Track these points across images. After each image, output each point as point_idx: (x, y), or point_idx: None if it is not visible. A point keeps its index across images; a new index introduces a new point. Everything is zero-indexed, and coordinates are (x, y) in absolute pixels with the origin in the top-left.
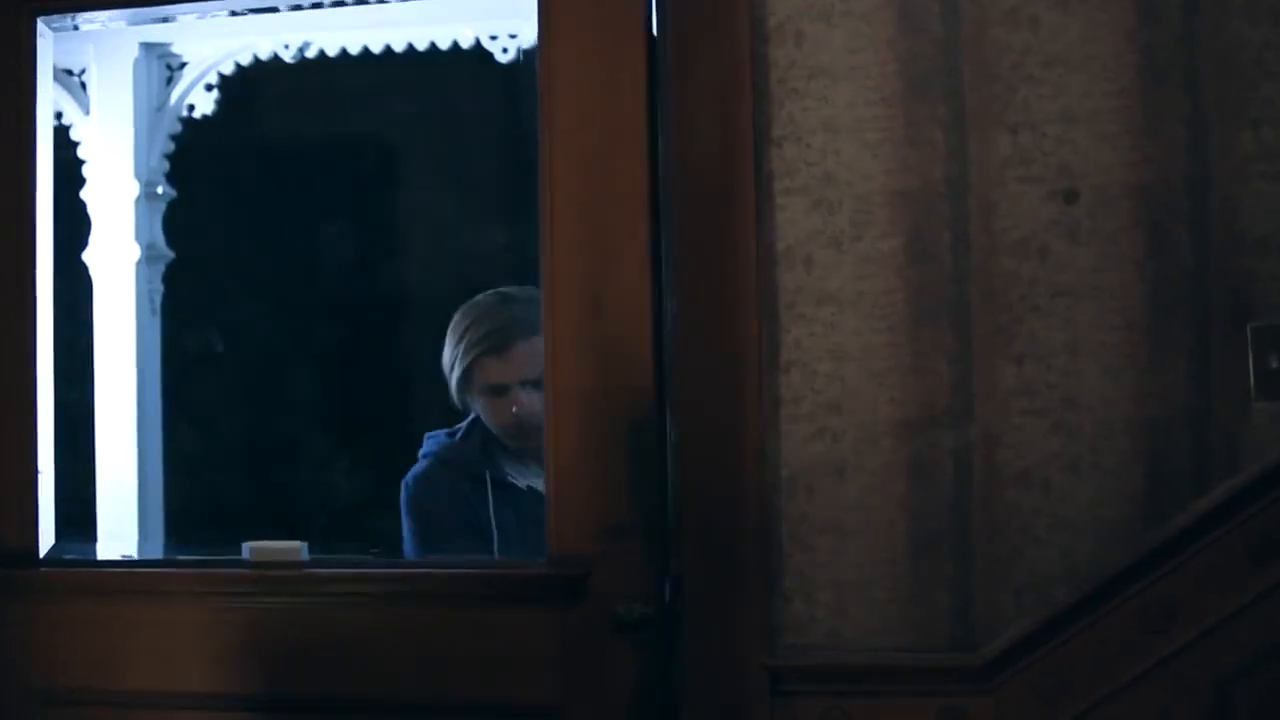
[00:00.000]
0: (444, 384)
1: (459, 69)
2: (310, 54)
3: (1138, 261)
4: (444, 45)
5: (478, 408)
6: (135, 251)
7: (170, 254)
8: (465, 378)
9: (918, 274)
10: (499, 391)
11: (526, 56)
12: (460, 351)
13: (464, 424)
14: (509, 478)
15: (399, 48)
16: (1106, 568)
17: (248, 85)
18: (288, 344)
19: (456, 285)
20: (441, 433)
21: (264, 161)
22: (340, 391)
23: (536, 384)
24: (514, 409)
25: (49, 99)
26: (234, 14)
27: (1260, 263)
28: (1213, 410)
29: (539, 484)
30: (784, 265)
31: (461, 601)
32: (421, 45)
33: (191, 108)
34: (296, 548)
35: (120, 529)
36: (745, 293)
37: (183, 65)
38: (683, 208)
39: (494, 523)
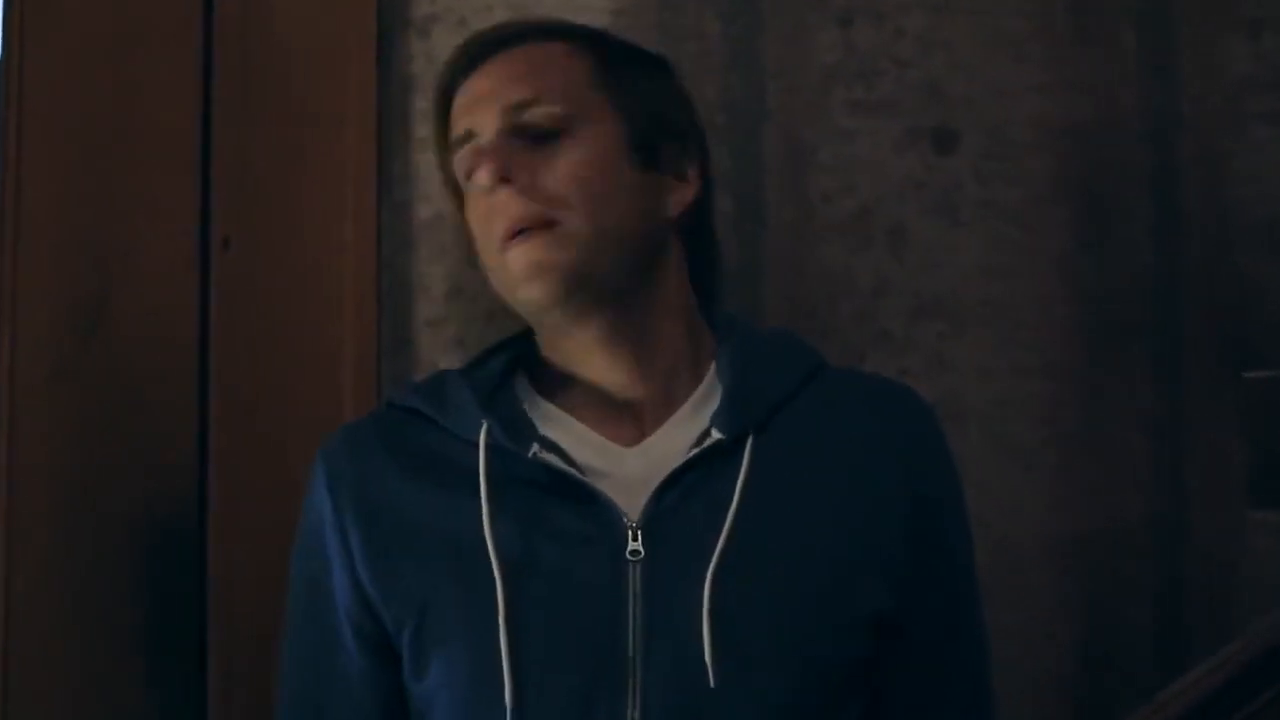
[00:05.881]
0: None
1: None
2: None
3: (1060, 256)
4: None
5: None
6: None
7: None
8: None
9: None
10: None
11: None
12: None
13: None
14: (580, 463)
15: None
16: None
17: None
18: None
19: None
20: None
21: None
22: None
23: (534, 132)
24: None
25: None
26: None
27: (1266, 261)
28: (1187, 521)
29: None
30: (427, 245)
31: None
32: None
33: None
34: None
35: None
36: (358, 295)
37: None
38: (246, 145)
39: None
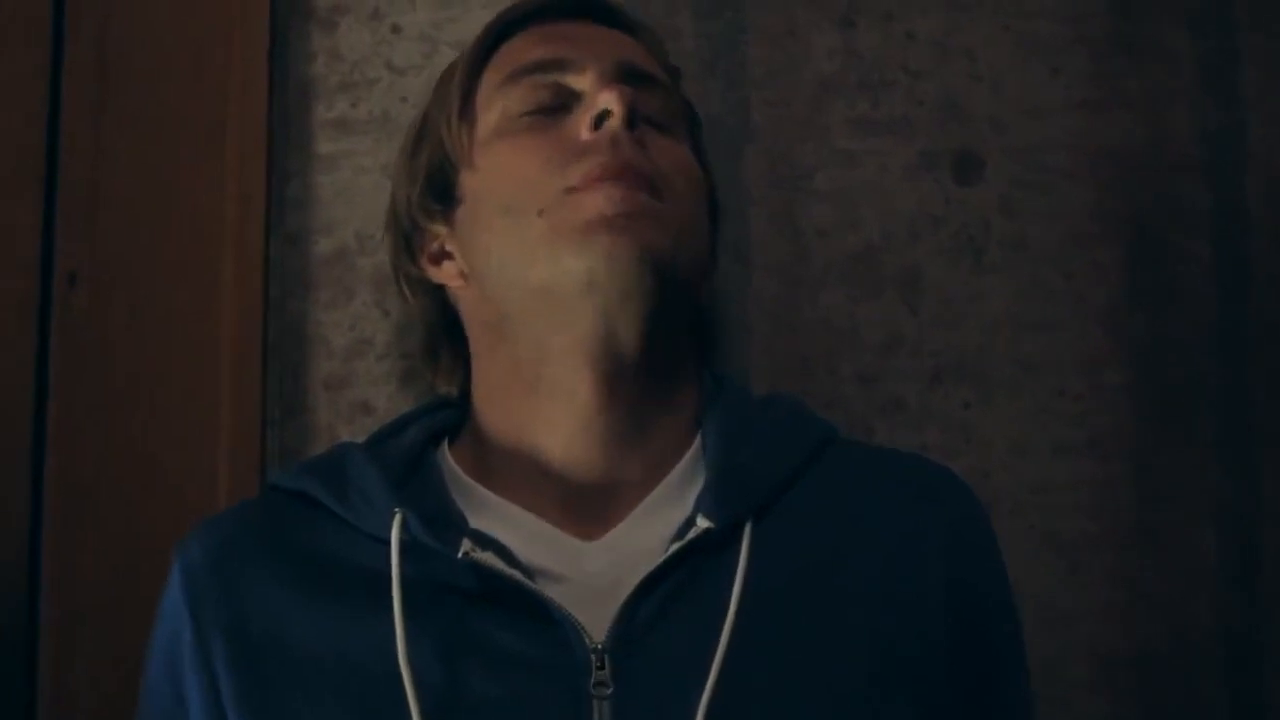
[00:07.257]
0: None
1: None
2: None
3: (1107, 307)
4: None
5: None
6: None
7: None
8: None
9: None
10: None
11: None
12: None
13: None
14: (538, 571)
15: None
16: None
17: None
18: None
19: None
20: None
21: None
22: None
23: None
24: (601, 111)
25: None
26: None
27: None
28: (1266, 634)
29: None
30: (328, 287)
31: None
32: None
33: None
34: None
35: None
36: (238, 348)
37: None
38: (101, 159)
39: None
